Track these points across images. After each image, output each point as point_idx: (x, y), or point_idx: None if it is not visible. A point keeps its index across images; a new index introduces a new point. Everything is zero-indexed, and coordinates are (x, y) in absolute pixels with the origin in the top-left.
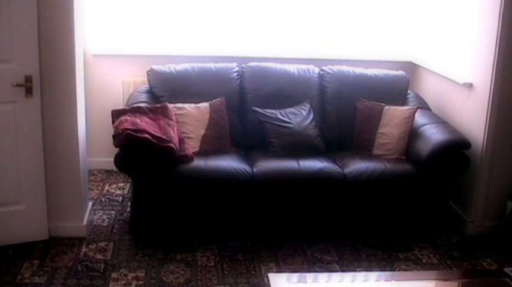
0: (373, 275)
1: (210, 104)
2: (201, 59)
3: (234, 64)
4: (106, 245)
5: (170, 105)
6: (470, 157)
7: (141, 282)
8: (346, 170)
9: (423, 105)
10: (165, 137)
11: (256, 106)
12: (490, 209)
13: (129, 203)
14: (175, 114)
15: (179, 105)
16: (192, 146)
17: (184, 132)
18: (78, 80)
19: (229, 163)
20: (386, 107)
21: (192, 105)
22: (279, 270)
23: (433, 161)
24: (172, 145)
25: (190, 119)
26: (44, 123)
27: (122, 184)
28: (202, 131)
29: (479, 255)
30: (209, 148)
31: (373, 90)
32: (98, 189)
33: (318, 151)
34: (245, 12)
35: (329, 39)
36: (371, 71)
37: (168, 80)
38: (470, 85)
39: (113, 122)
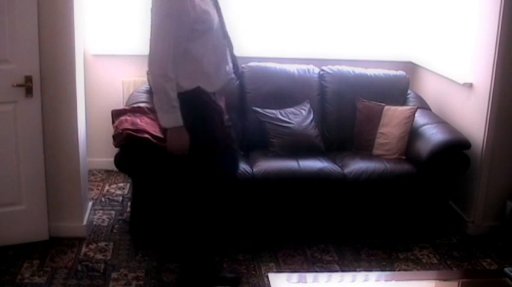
0: (373, 275)
1: None
2: None
3: None
4: (106, 245)
5: None
6: (470, 157)
7: (141, 282)
8: (346, 170)
9: (423, 105)
10: (165, 137)
11: (256, 106)
12: (490, 209)
13: (129, 203)
14: None
15: None
16: None
17: None
18: (78, 80)
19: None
20: (386, 107)
21: None
22: (279, 270)
23: (433, 161)
24: None
25: None
26: (44, 124)
27: (122, 184)
28: None
29: (479, 255)
30: None
31: (373, 90)
32: (98, 189)
33: (318, 151)
34: (245, 13)
35: (329, 39)
36: (371, 71)
37: None
38: (470, 85)
39: (113, 122)
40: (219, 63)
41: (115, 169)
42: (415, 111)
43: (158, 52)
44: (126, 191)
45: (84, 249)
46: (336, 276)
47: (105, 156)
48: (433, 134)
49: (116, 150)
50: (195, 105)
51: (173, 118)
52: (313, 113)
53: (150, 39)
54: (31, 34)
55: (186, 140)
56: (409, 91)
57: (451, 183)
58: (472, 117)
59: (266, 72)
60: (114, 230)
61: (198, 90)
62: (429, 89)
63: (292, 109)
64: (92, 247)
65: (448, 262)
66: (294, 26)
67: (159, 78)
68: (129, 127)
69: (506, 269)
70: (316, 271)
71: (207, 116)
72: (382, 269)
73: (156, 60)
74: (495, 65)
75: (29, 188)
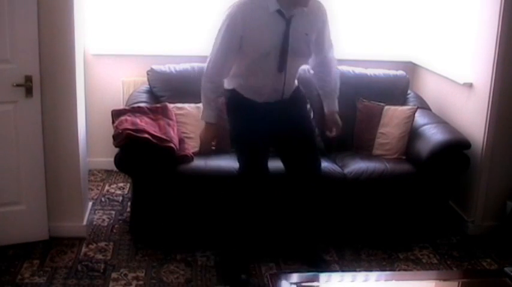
0: (373, 275)
1: None
2: (201, 59)
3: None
4: (106, 245)
5: (170, 105)
6: (470, 157)
7: (141, 282)
8: (346, 170)
9: (423, 105)
10: (165, 137)
11: None
12: (490, 209)
13: (129, 203)
14: (176, 114)
15: (179, 105)
16: (192, 146)
17: (184, 132)
18: (78, 80)
19: (230, 163)
20: (386, 107)
21: (192, 105)
22: (279, 270)
23: (433, 161)
24: (173, 145)
25: (190, 119)
26: (44, 124)
27: (122, 184)
28: None
29: (479, 255)
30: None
31: (373, 90)
32: (98, 189)
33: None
34: None
35: None
36: (371, 71)
37: (168, 80)
38: (470, 85)
39: (113, 122)
40: (262, 88)
41: (115, 169)
42: (415, 111)
43: (210, 58)
44: (126, 191)
45: (84, 249)
46: (336, 276)
47: (105, 156)
48: (433, 134)
49: (116, 150)
50: (230, 102)
51: (205, 114)
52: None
53: None
54: (31, 34)
55: (210, 137)
56: (409, 91)
57: (451, 183)
58: (472, 117)
59: None
60: (114, 230)
61: (234, 92)
62: (429, 89)
63: None
64: (92, 247)
65: (448, 262)
66: None
67: (205, 78)
68: (129, 127)
69: (506, 269)
70: (316, 271)
71: (235, 113)
72: (382, 269)
73: (207, 64)
74: (495, 65)
75: (29, 188)
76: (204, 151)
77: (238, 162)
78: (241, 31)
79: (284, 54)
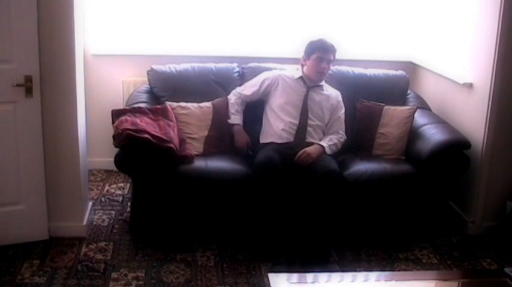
0: (373, 275)
1: (212, 104)
2: (201, 59)
3: (235, 64)
4: (106, 245)
5: (174, 104)
6: (470, 157)
7: (141, 282)
8: (346, 171)
9: (423, 105)
10: (165, 138)
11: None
12: (490, 209)
13: (129, 203)
14: (179, 114)
15: (183, 104)
16: (196, 147)
17: (187, 133)
18: (78, 80)
19: (230, 163)
20: (386, 107)
21: (195, 104)
22: (279, 270)
23: (433, 161)
24: (172, 145)
25: (194, 119)
26: (44, 123)
27: (122, 184)
28: (206, 132)
29: (479, 255)
30: (212, 149)
31: (372, 90)
32: (98, 189)
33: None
34: (245, 13)
35: (329, 39)
36: (371, 71)
37: (168, 80)
38: (470, 85)
39: (113, 122)
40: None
41: (115, 169)
42: (415, 112)
43: (245, 83)
44: (126, 191)
45: (84, 249)
46: (336, 276)
47: (105, 156)
48: (433, 134)
49: (116, 150)
50: None
51: (231, 117)
52: None
53: None
54: (31, 34)
55: (240, 139)
56: (409, 91)
57: (451, 183)
58: (472, 117)
59: None
60: (114, 230)
61: None
62: (429, 89)
63: None
64: (92, 247)
65: (448, 262)
66: (294, 27)
67: (234, 93)
68: (129, 127)
69: (506, 269)
70: (316, 271)
71: None
72: (382, 269)
73: (241, 87)
74: (495, 65)
75: (29, 188)
76: (242, 153)
77: (255, 160)
78: (269, 83)
79: (304, 123)
